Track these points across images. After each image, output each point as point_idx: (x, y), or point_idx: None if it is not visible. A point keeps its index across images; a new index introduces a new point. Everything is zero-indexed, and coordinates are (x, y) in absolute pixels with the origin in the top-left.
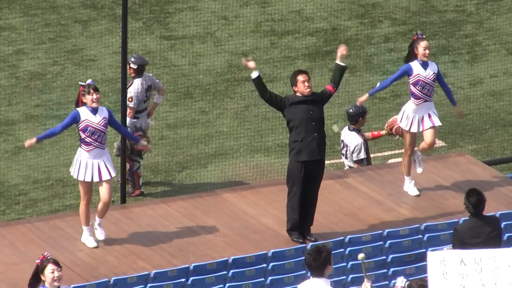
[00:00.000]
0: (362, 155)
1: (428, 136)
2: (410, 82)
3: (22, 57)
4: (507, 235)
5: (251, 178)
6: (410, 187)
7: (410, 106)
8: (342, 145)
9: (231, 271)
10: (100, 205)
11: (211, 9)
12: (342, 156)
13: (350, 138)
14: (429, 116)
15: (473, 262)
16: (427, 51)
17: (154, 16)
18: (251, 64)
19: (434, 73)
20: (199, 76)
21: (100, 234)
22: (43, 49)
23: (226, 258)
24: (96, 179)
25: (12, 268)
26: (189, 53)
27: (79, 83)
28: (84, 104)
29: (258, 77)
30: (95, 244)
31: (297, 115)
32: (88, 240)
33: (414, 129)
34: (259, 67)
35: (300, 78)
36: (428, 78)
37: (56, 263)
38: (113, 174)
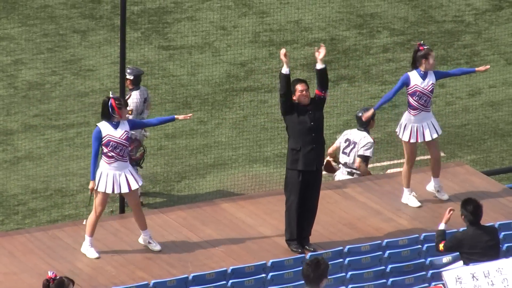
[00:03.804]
0: (369, 153)
1: (431, 149)
2: (408, 93)
3: (21, 67)
4: (506, 245)
5: (249, 188)
6: (410, 199)
7: (407, 116)
8: (346, 144)
9: (230, 281)
10: (134, 217)
11: (209, 19)
12: (343, 154)
13: (360, 136)
14: (428, 127)
15: (483, 276)
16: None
17: (153, 26)
18: (285, 59)
19: (432, 83)
20: (197, 86)
21: (155, 247)
22: (42, 59)
23: (225, 268)
24: (116, 191)
25: (11, 278)
26: (187, 63)
27: (110, 95)
28: (105, 117)
29: (289, 75)
30: (96, 255)
31: (297, 124)
32: (88, 250)
33: (413, 140)
34: (257, 77)
35: (299, 87)
36: (426, 89)
37: None
38: (135, 186)
